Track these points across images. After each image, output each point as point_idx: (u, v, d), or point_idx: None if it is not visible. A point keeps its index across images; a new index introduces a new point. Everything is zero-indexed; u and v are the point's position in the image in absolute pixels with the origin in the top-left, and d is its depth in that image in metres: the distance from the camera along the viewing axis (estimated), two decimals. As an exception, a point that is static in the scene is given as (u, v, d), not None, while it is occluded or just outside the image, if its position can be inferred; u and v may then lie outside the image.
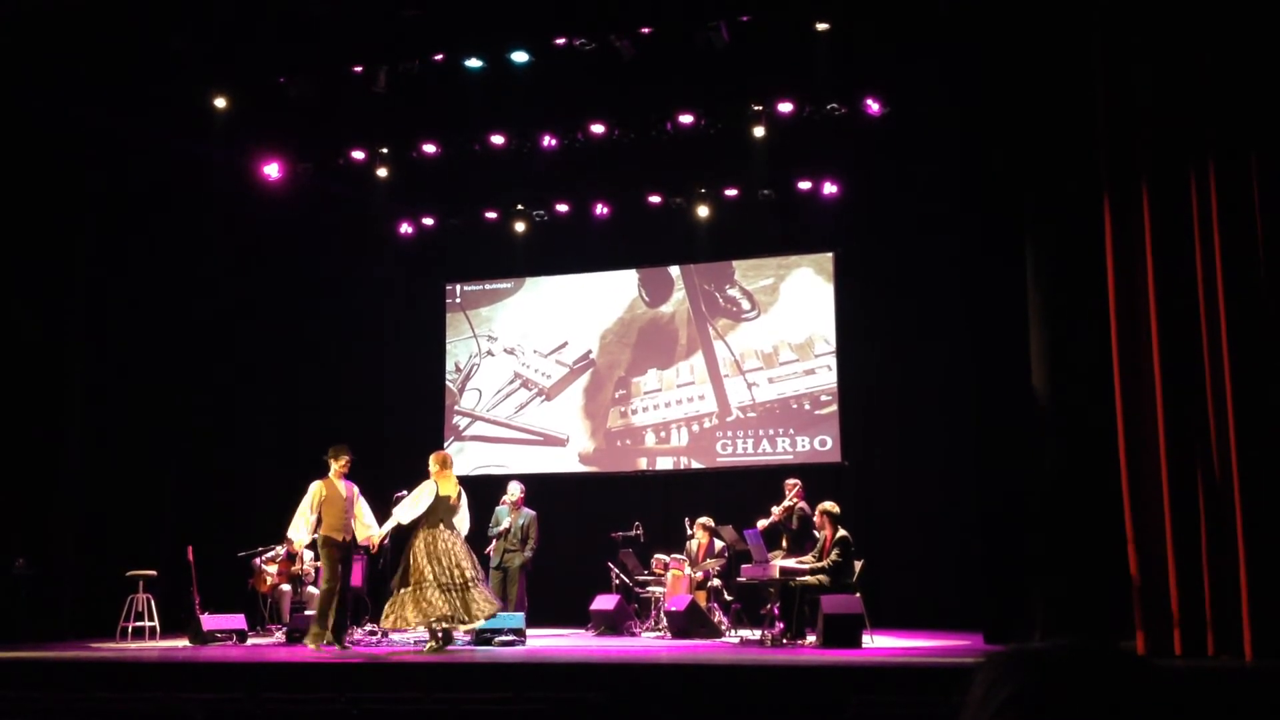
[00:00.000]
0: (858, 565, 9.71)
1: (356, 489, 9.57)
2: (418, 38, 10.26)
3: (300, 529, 9.36)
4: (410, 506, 9.13)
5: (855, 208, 12.41)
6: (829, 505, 9.81)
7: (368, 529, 9.48)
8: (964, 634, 9.73)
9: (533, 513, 11.38)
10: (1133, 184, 7.91)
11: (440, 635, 9.08)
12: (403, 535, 9.44)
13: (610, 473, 13.46)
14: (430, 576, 8.94)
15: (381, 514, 9.61)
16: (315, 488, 9.39)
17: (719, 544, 11.10)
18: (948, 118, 10.38)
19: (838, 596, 9.18)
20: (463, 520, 9.43)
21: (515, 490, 11.43)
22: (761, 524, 10.27)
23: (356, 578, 10.98)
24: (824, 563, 9.52)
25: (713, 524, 11.17)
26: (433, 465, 9.39)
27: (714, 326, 13.39)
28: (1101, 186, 8.02)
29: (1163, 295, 7.68)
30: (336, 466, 9.46)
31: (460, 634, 9.43)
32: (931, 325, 11.90)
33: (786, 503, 10.44)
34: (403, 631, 9.58)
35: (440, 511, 9.18)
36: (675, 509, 11.92)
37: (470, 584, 9.06)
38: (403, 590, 9.01)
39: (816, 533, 9.93)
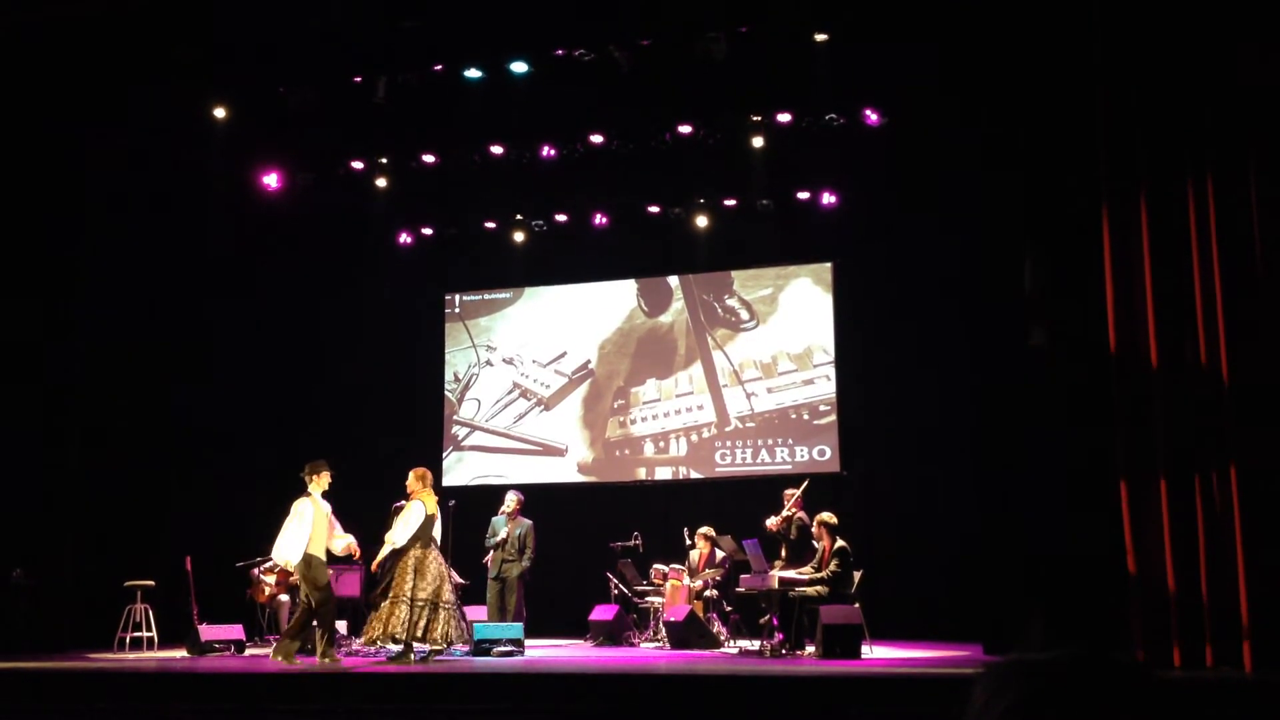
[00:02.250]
0: (856, 575, 9.69)
1: (328, 506, 9.42)
2: (417, 48, 10.29)
3: (295, 548, 8.99)
4: (404, 528, 9.00)
5: (854, 218, 12.41)
6: (826, 516, 9.80)
7: (347, 540, 9.32)
8: (963, 644, 9.71)
9: (529, 522, 11.35)
10: (1131, 193, 7.92)
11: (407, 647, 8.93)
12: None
13: (609, 483, 13.45)
14: (406, 592, 8.80)
15: (380, 525, 9.57)
16: (309, 507, 9.10)
17: (719, 554, 11.09)
18: (946, 128, 10.40)
19: (837, 607, 9.16)
20: (438, 534, 9.32)
21: (511, 500, 11.40)
22: (771, 523, 10.25)
23: (354, 588, 10.97)
24: (823, 573, 9.51)
25: (714, 534, 11.16)
26: (416, 483, 9.19)
27: (713, 336, 13.39)
28: (1100, 196, 8.03)
29: (1161, 304, 7.69)
30: (319, 484, 9.19)
31: (460, 647, 9.43)
32: (930, 335, 11.91)
33: (785, 512, 10.43)
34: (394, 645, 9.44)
35: (429, 529, 9.09)
36: (674, 519, 11.91)
37: (444, 606, 8.91)
38: (383, 604, 8.90)
39: (815, 543, 9.92)
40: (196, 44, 10.04)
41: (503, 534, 11.22)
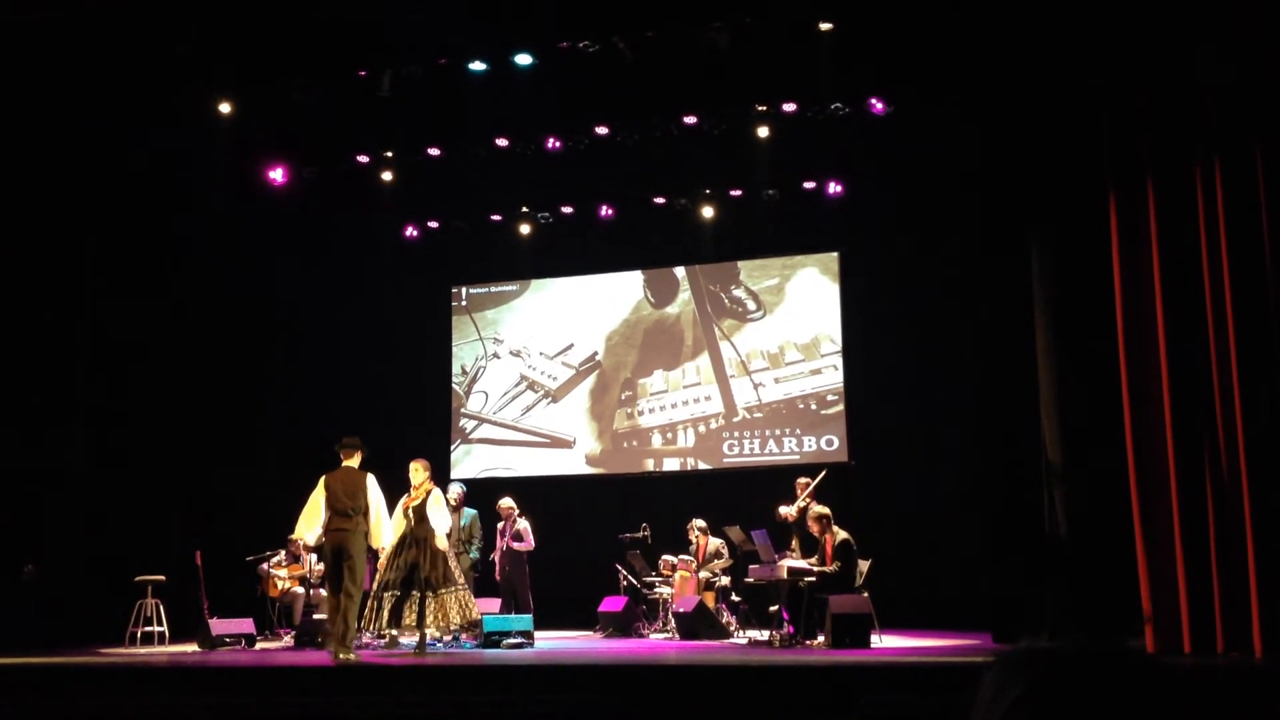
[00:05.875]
0: (865, 565, 9.69)
1: None
2: (421, 41, 10.27)
3: (390, 529, 8.96)
4: (441, 516, 9.20)
5: (860, 207, 12.40)
6: (818, 510, 9.77)
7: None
8: (972, 633, 9.70)
9: (473, 512, 11.20)
10: (1138, 181, 7.89)
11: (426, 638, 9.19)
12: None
13: (617, 474, 13.46)
14: (459, 578, 9.13)
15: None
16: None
17: (714, 543, 11.11)
18: (951, 117, 10.37)
19: (846, 597, 9.17)
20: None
21: (453, 493, 11.11)
22: (787, 511, 10.29)
23: (367, 581, 10.97)
24: (829, 568, 9.49)
25: (705, 525, 11.19)
26: (426, 474, 9.35)
27: (719, 327, 13.38)
28: (1106, 184, 8.00)
29: (1169, 293, 7.66)
30: (356, 460, 8.99)
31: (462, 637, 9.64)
32: (937, 324, 11.88)
33: (799, 503, 10.43)
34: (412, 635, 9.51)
35: None
36: (682, 510, 11.90)
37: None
38: (445, 589, 9.09)
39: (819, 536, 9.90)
40: (199, 39, 10.03)
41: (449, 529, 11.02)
